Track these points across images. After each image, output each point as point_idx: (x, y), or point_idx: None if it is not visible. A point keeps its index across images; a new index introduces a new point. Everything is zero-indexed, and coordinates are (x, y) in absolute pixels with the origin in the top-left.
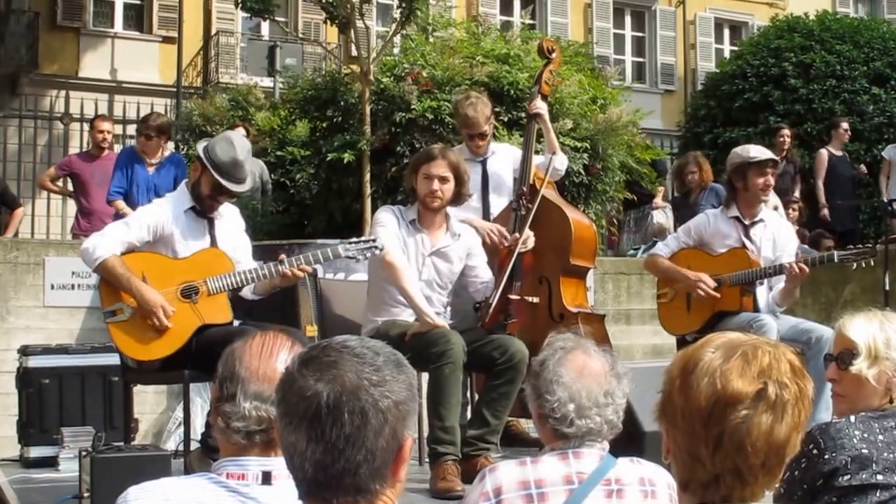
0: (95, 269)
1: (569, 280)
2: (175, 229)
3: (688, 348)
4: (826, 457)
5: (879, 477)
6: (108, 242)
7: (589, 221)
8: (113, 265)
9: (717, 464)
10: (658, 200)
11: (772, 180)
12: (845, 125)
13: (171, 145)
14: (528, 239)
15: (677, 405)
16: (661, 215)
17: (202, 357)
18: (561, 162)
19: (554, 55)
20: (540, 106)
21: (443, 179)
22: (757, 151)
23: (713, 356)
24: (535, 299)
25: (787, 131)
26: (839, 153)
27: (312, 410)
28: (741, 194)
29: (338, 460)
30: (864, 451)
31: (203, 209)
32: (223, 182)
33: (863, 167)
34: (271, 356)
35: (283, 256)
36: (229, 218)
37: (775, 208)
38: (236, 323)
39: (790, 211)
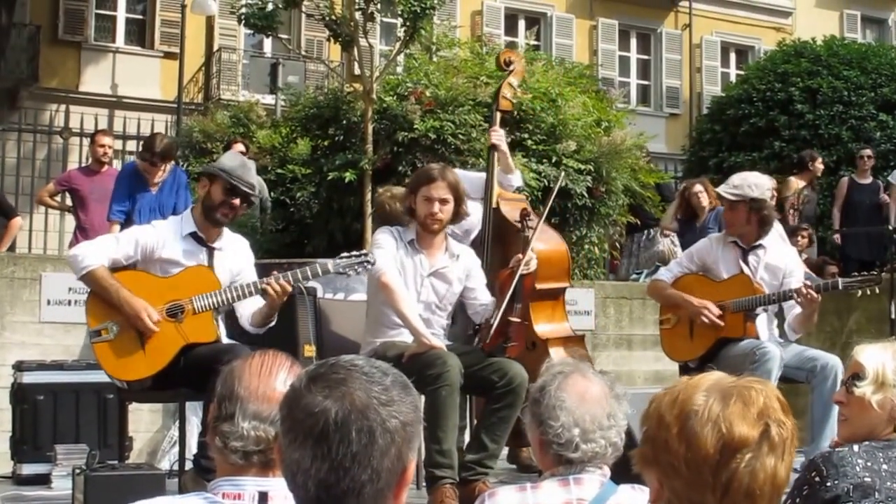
0: (82, 277)
1: (541, 304)
2: (167, 252)
3: (672, 393)
4: (828, 484)
5: None
6: (96, 253)
7: (558, 238)
8: (102, 275)
9: None
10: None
11: (727, 216)
12: (867, 153)
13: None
14: (531, 261)
15: (678, 453)
16: (668, 243)
17: (192, 376)
18: (517, 178)
19: (513, 66)
20: (497, 137)
21: (443, 201)
22: (727, 181)
23: (709, 401)
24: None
25: (819, 159)
26: (864, 181)
27: (320, 427)
28: None
29: (343, 479)
30: (868, 479)
31: (217, 224)
32: (236, 183)
33: (885, 196)
34: (271, 375)
35: (274, 272)
36: (235, 253)
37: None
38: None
39: (799, 238)
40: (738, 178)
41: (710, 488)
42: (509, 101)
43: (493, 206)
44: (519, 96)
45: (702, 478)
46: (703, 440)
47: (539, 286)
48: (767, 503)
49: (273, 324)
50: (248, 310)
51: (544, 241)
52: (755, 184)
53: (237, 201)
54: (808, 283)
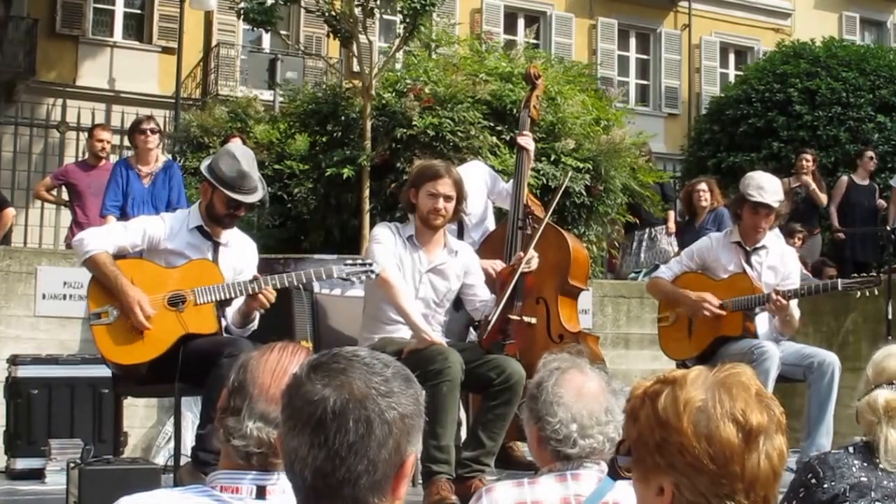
0: (84, 261)
1: (565, 300)
2: (173, 244)
3: (662, 398)
4: (825, 486)
5: None
6: (101, 239)
7: (582, 244)
8: (103, 261)
9: (751, 496)
10: (671, 225)
11: (763, 224)
12: (870, 154)
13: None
14: (533, 259)
15: (699, 452)
16: (668, 242)
17: (189, 367)
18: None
19: (539, 81)
20: (530, 143)
21: (447, 198)
22: (756, 188)
23: (716, 396)
24: (533, 320)
25: (808, 155)
26: (863, 182)
27: (317, 415)
28: (740, 222)
29: (339, 469)
30: (864, 479)
31: (223, 227)
32: (235, 196)
33: (882, 202)
34: (285, 376)
35: (255, 275)
36: (240, 249)
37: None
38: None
39: (796, 240)
40: (769, 184)
41: (739, 477)
42: (537, 111)
43: (526, 204)
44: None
45: (729, 469)
46: (724, 433)
47: (572, 282)
48: (778, 478)
49: (255, 326)
50: (232, 310)
51: (577, 242)
52: (781, 187)
53: (241, 211)
54: (778, 289)
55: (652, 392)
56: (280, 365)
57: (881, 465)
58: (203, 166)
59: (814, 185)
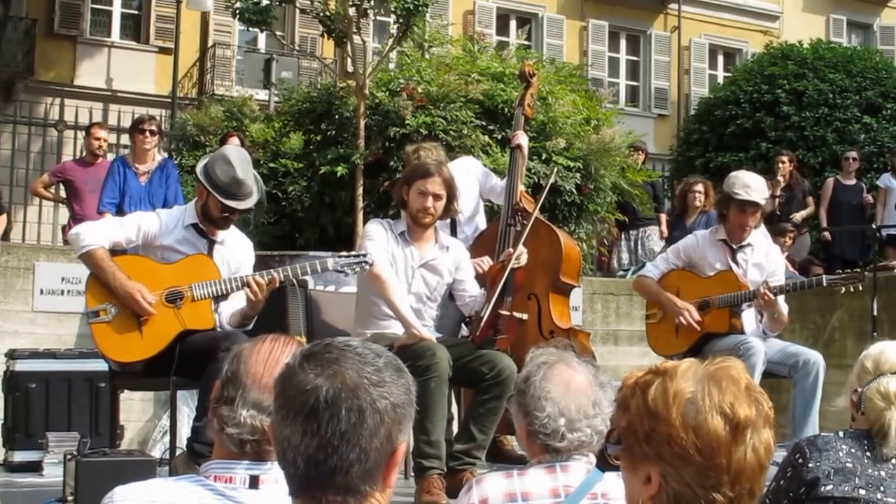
0: (81, 255)
1: (557, 297)
2: (168, 240)
3: (652, 389)
4: (810, 465)
5: (862, 492)
6: (98, 234)
7: (574, 241)
8: (101, 257)
9: (736, 489)
10: (664, 229)
11: (750, 221)
12: (852, 154)
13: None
14: (522, 255)
15: (686, 443)
16: (657, 244)
17: (186, 362)
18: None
19: (534, 79)
20: (523, 140)
21: (437, 197)
22: (742, 187)
23: (705, 388)
24: (525, 315)
25: (784, 157)
26: (849, 182)
27: (310, 404)
28: (726, 221)
29: (331, 457)
30: (849, 464)
31: (218, 228)
32: (228, 203)
33: (869, 197)
34: (277, 365)
35: (258, 272)
36: (236, 246)
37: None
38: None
39: (787, 239)
40: (755, 182)
41: (725, 469)
42: (531, 110)
43: (517, 201)
44: (534, 108)
45: (716, 461)
46: (712, 425)
47: (563, 279)
48: (764, 471)
49: (250, 327)
50: (229, 309)
51: (569, 239)
52: (765, 185)
53: (234, 216)
54: (766, 283)
55: (643, 382)
56: (273, 355)
57: (884, 452)
58: (199, 167)
59: (807, 211)
